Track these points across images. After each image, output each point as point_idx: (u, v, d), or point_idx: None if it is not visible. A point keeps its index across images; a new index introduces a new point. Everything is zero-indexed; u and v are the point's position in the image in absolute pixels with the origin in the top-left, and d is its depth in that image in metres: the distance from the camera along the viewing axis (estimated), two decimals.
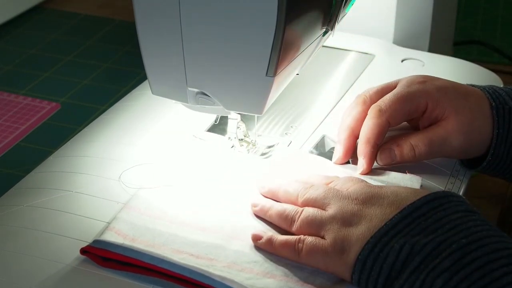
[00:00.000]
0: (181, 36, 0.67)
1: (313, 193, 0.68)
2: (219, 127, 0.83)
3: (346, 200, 0.65)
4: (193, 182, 0.74)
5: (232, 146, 0.79)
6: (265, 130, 0.83)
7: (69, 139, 0.84)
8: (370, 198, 0.65)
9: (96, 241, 0.64)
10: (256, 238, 0.66)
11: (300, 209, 0.67)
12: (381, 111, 0.74)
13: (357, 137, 0.77)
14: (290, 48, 0.68)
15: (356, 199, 0.65)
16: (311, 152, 0.80)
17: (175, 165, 0.76)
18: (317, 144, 0.81)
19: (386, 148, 0.75)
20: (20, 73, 1.11)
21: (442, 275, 0.57)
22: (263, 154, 0.79)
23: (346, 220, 0.64)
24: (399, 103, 0.75)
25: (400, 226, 0.61)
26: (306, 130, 0.83)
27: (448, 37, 1.15)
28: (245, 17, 0.64)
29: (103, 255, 0.64)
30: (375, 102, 0.76)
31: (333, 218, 0.64)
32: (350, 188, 0.67)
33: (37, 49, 1.17)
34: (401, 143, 0.74)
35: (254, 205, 0.70)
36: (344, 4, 0.74)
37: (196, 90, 0.71)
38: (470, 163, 0.79)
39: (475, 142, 0.76)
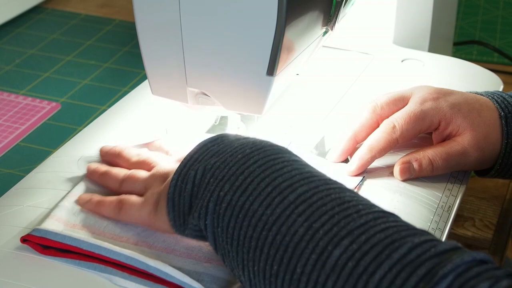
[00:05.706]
0: (181, 36, 0.67)
1: (143, 155, 0.73)
2: (219, 127, 0.83)
3: (166, 160, 0.70)
4: None
5: None
6: (265, 130, 0.83)
7: (69, 139, 0.84)
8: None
9: (35, 230, 0.65)
10: (82, 201, 0.70)
11: (127, 170, 0.71)
12: (394, 129, 0.75)
13: (358, 142, 0.77)
14: (290, 48, 0.68)
15: (174, 160, 0.70)
16: (311, 152, 0.80)
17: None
18: (317, 144, 0.81)
19: (405, 162, 0.75)
20: (20, 73, 1.10)
21: (229, 180, 0.60)
22: None
23: (163, 177, 0.67)
24: (412, 122, 0.75)
25: (196, 156, 0.64)
26: (306, 130, 0.83)
27: (448, 37, 1.15)
28: (245, 17, 0.64)
29: (42, 243, 0.64)
30: (385, 111, 0.77)
31: (152, 176, 0.68)
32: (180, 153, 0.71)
33: (37, 49, 1.17)
34: (419, 158, 0.75)
35: (88, 169, 0.74)
36: (344, 4, 0.74)
37: (196, 90, 0.71)
38: (478, 171, 0.80)
39: (490, 154, 0.76)
